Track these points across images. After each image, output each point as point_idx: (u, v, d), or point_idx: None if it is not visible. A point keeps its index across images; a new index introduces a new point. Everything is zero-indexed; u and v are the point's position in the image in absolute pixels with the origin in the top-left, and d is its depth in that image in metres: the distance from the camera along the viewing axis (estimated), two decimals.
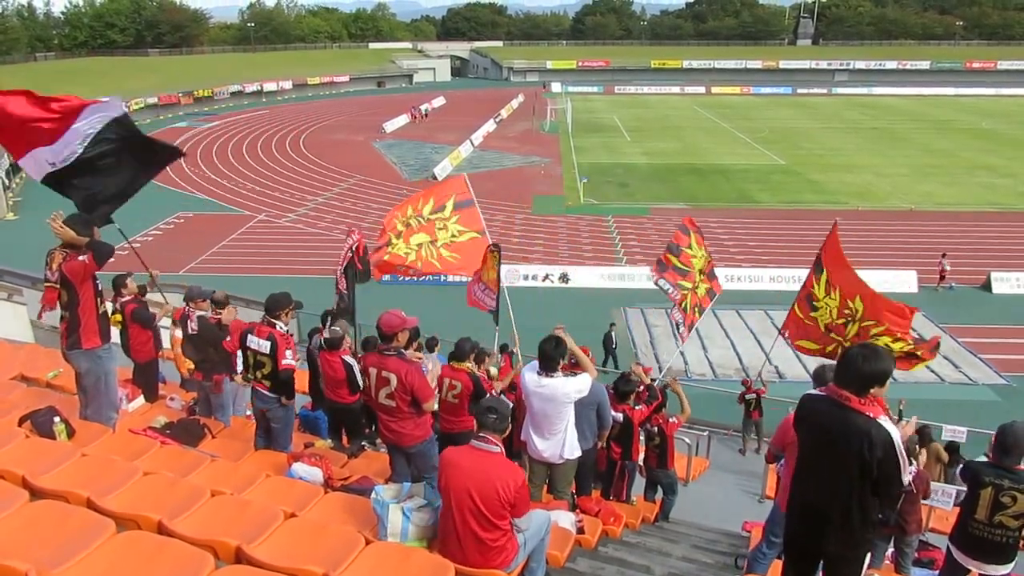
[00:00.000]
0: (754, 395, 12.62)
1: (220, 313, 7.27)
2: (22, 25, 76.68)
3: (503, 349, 10.65)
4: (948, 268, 22.98)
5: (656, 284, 11.40)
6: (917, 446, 6.84)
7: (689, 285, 11.17)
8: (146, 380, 7.73)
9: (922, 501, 6.69)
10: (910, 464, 5.88)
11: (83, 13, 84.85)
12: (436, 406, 6.10)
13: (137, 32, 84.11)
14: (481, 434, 4.19)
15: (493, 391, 7.27)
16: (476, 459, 4.10)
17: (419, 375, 5.39)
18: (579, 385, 5.55)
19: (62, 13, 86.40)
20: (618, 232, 29.04)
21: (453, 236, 9.51)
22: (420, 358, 6.54)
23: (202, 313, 7.18)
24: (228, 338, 6.98)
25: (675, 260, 11.21)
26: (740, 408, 12.87)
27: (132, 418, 6.60)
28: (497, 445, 4.16)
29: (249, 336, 6.19)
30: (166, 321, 8.31)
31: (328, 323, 8.06)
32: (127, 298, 7.82)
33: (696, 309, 11.29)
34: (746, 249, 26.69)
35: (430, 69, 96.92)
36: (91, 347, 5.67)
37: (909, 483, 5.77)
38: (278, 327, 6.14)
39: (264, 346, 6.08)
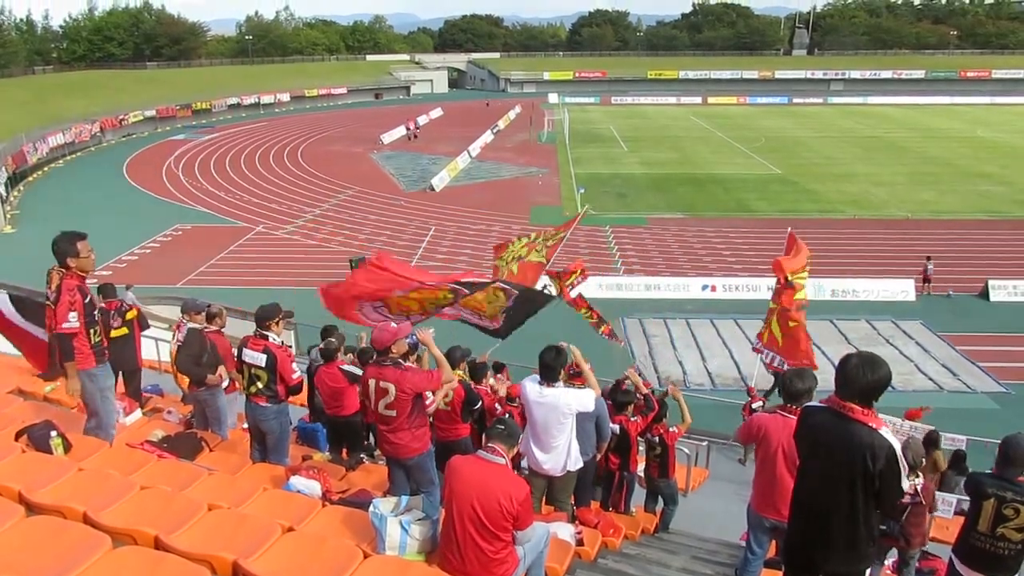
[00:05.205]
0: (760, 404, 12.57)
1: (210, 327, 7.25)
2: (21, 39, 76.79)
3: (498, 368, 10.47)
4: (931, 269, 23.12)
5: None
6: (923, 459, 6.76)
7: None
8: (135, 385, 7.96)
9: (928, 514, 6.61)
10: (917, 476, 5.88)
11: (82, 27, 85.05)
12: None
13: (135, 45, 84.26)
14: (489, 444, 4.21)
15: (497, 407, 7.25)
16: (481, 469, 4.10)
17: (414, 374, 5.37)
18: (582, 398, 5.56)
19: (60, 27, 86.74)
20: (615, 242, 29.08)
21: (530, 255, 9.51)
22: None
23: (193, 325, 7.14)
24: (214, 349, 6.98)
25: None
26: (742, 418, 12.81)
27: (129, 432, 6.56)
28: (503, 457, 4.17)
29: (244, 350, 6.11)
30: (155, 332, 8.45)
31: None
32: (129, 300, 7.97)
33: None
34: (744, 259, 26.73)
35: (427, 81, 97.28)
36: (84, 368, 5.63)
37: (917, 495, 5.76)
38: (271, 338, 6.08)
39: (259, 359, 6.00)
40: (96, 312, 5.73)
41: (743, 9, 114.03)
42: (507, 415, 5.97)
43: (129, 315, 7.94)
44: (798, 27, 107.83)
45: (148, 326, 8.41)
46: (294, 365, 6.12)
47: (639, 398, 7.68)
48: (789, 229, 13.06)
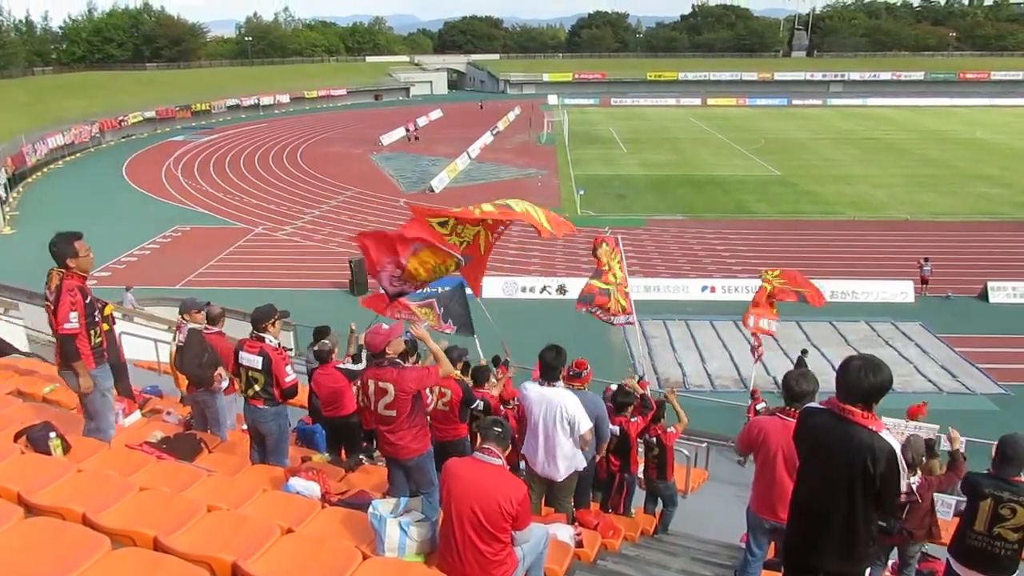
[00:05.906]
0: (764, 405, 12.58)
1: (211, 328, 7.23)
2: (20, 40, 76.69)
3: (496, 362, 10.51)
4: (928, 271, 23.21)
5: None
6: (924, 458, 6.81)
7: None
8: (125, 382, 7.90)
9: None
10: (915, 475, 5.90)
11: (81, 28, 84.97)
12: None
13: (135, 47, 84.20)
14: (485, 446, 4.20)
15: (502, 408, 7.26)
16: (479, 471, 4.10)
17: (411, 371, 5.39)
18: (578, 415, 5.57)
19: (60, 28, 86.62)
20: None
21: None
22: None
23: (194, 326, 7.11)
24: (213, 350, 6.97)
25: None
26: (740, 419, 12.81)
27: (128, 433, 6.56)
28: (500, 457, 4.17)
29: (241, 353, 6.10)
30: (155, 333, 8.40)
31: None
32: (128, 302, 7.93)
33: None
34: (743, 260, 26.74)
35: (427, 82, 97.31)
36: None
37: (913, 493, 5.78)
38: (267, 340, 6.07)
39: (256, 361, 5.98)
40: (96, 313, 5.71)
41: (742, 11, 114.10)
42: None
43: (107, 310, 7.88)
44: (797, 29, 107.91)
45: (114, 321, 8.37)
46: (288, 368, 6.08)
47: (636, 398, 7.69)
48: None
